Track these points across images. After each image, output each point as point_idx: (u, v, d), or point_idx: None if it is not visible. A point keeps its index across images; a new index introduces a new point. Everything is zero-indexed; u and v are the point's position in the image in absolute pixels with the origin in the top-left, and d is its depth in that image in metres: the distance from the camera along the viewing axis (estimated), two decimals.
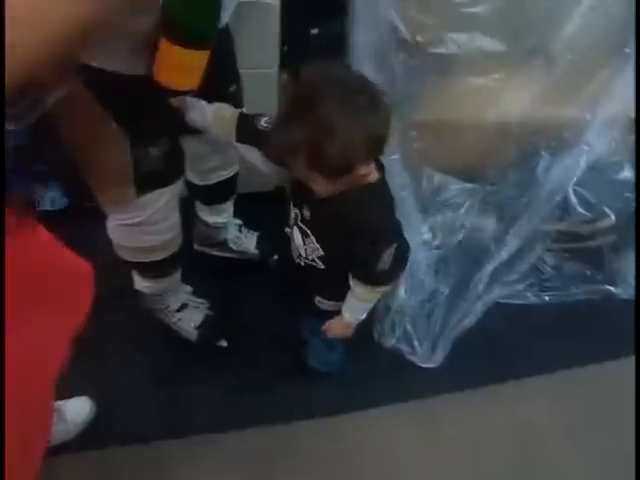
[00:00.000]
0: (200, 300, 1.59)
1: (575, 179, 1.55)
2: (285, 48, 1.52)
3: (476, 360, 1.57)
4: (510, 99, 1.51)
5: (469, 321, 1.59)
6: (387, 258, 1.05)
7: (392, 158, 1.38)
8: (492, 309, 1.63)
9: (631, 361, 1.51)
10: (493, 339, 1.62)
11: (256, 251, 1.73)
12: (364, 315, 1.22)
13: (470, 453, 1.44)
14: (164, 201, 1.19)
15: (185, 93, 1.02)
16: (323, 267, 1.14)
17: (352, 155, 0.91)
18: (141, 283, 1.44)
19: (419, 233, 1.57)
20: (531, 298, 1.72)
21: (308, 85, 0.90)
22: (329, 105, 0.86)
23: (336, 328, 1.25)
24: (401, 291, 1.56)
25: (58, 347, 0.89)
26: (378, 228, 1.05)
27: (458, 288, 1.61)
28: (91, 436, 1.35)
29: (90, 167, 1.08)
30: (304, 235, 1.13)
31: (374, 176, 1.03)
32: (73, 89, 0.84)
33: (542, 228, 1.61)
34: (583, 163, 1.52)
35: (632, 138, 1.55)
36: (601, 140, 1.52)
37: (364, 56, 1.31)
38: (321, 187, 0.98)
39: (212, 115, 1.10)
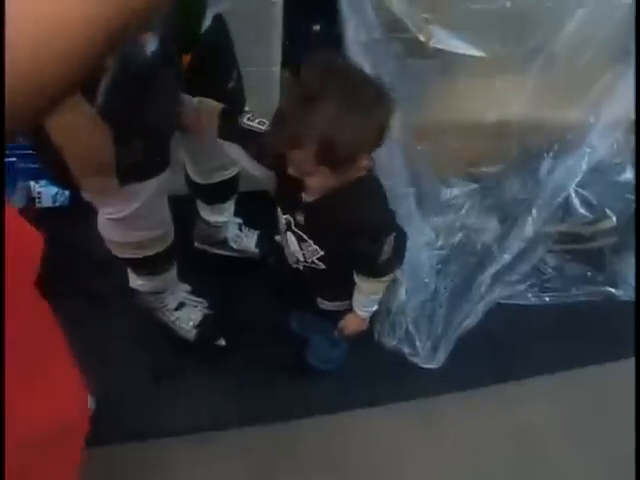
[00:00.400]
0: (198, 299, 1.58)
1: (577, 180, 1.55)
2: (286, 43, 1.52)
3: (477, 360, 1.57)
4: (512, 100, 1.51)
5: (470, 322, 1.59)
6: (388, 248, 1.06)
7: (393, 158, 1.37)
8: (493, 310, 1.63)
9: (631, 362, 1.51)
10: (494, 340, 1.63)
11: (256, 250, 1.72)
12: (376, 306, 1.23)
13: (471, 453, 1.44)
14: (149, 193, 1.16)
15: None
16: (324, 267, 1.14)
17: (362, 146, 0.92)
18: (135, 281, 1.43)
19: (421, 234, 1.56)
20: (532, 299, 1.72)
21: (313, 80, 0.89)
22: (339, 98, 0.86)
23: (352, 324, 1.25)
24: (402, 292, 1.56)
25: None
26: (376, 224, 1.05)
27: (459, 289, 1.61)
28: (91, 434, 1.35)
29: (71, 154, 1.05)
30: (300, 240, 1.11)
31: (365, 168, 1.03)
32: None
33: (544, 229, 1.61)
34: (585, 165, 1.52)
35: (633, 140, 1.55)
36: (603, 142, 1.51)
37: (359, 55, 1.30)
38: (322, 182, 0.96)
39: (193, 110, 1.08)
